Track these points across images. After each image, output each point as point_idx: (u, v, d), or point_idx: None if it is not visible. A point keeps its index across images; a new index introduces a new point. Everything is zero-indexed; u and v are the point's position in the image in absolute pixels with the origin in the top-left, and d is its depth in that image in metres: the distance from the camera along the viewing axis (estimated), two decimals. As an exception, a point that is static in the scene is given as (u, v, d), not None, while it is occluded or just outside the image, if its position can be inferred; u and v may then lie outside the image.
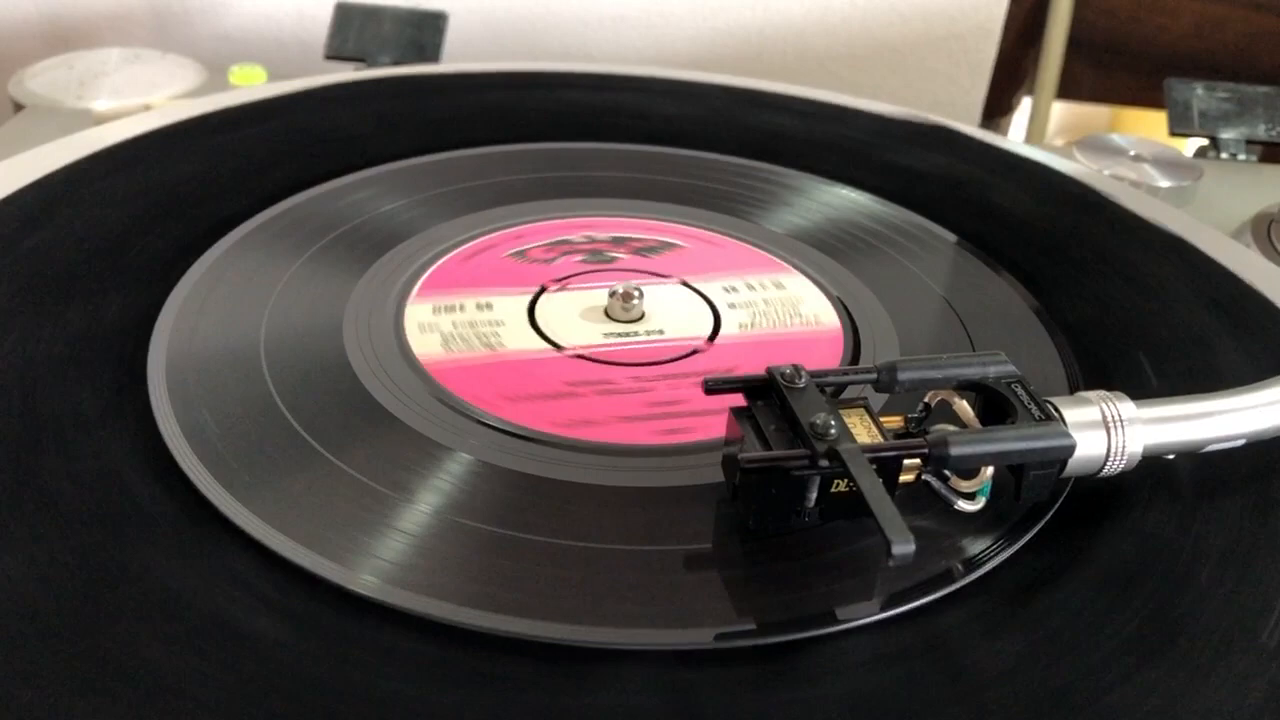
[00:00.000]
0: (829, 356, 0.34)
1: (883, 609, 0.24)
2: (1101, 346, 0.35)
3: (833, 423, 0.24)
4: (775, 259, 0.39)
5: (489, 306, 0.35)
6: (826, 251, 0.40)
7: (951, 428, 0.26)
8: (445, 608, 0.24)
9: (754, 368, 0.27)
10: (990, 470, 0.26)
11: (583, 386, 0.32)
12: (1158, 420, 0.27)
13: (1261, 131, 0.57)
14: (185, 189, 0.40)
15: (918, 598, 0.24)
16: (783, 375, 0.26)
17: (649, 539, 0.26)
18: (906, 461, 0.25)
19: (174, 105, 0.46)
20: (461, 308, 0.35)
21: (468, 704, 0.22)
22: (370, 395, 0.30)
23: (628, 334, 0.34)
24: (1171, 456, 0.28)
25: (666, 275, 0.37)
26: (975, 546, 0.26)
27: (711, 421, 0.29)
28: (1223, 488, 0.29)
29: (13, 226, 0.36)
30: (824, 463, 0.24)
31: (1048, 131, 0.77)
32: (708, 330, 0.35)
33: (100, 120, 0.51)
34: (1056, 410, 0.26)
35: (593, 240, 0.39)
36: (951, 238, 0.41)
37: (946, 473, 0.26)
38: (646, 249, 0.39)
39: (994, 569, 0.26)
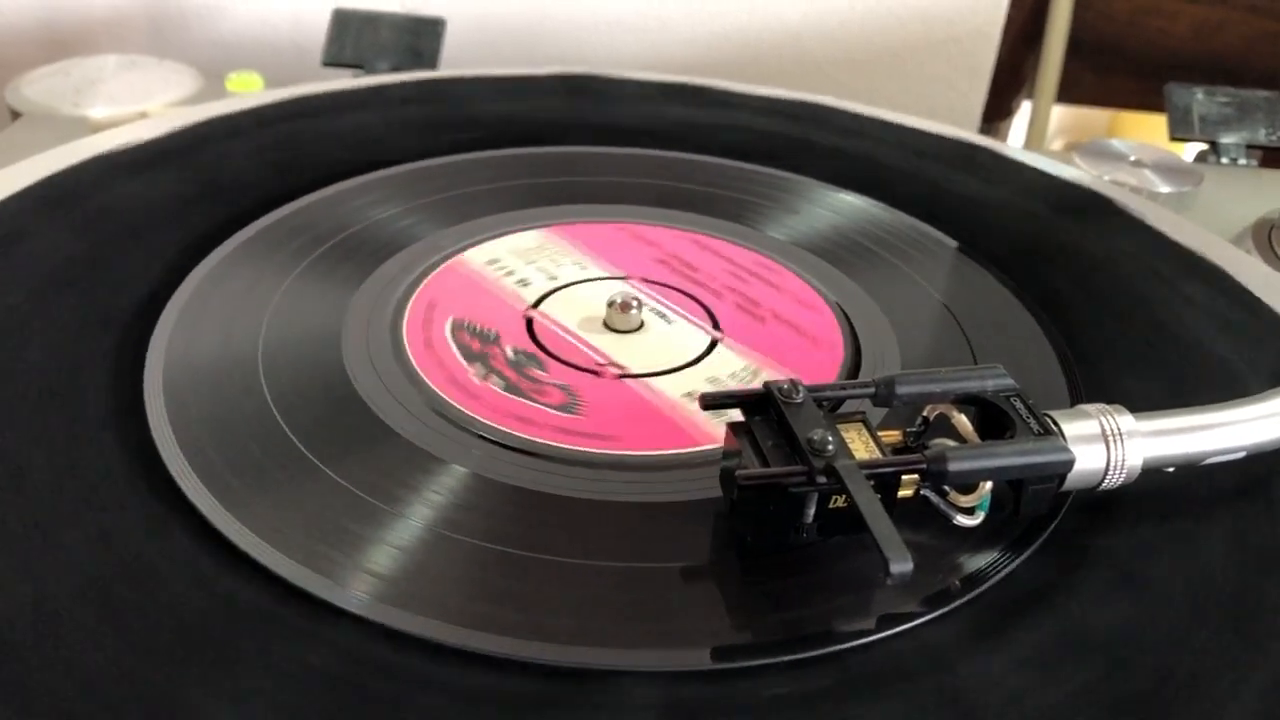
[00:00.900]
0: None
1: (881, 627, 0.24)
2: (1101, 355, 0.35)
3: (830, 439, 0.24)
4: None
5: (486, 317, 0.35)
6: (825, 258, 0.39)
7: (950, 442, 0.26)
8: (438, 626, 0.23)
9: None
10: (989, 485, 0.26)
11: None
12: (1157, 433, 0.27)
13: (1262, 136, 0.57)
14: (182, 197, 0.40)
15: (917, 615, 0.24)
16: (780, 390, 0.26)
17: (645, 555, 0.26)
18: (905, 477, 0.25)
19: (170, 112, 0.46)
20: (458, 319, 0.35)
21: (463, 724, 0.22)
22: (367, 407, 0.30)
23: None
24: (1172, 470, 0.28)
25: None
26: (974, 563, 0.26)
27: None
28: (1226, 499, 0.28)
29: (9, 234, 0.36)
30: (822, 480, 0.24)
31: (1047, 135, 0.77)
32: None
33: (97, 128, 0.51)
34: (1055, 424, 0.26)
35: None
36: (952, 244, 0.41)
37: (945, 488, 0.26)
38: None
39: (993, 585, 0.25)
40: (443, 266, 0.37)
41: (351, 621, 0.23)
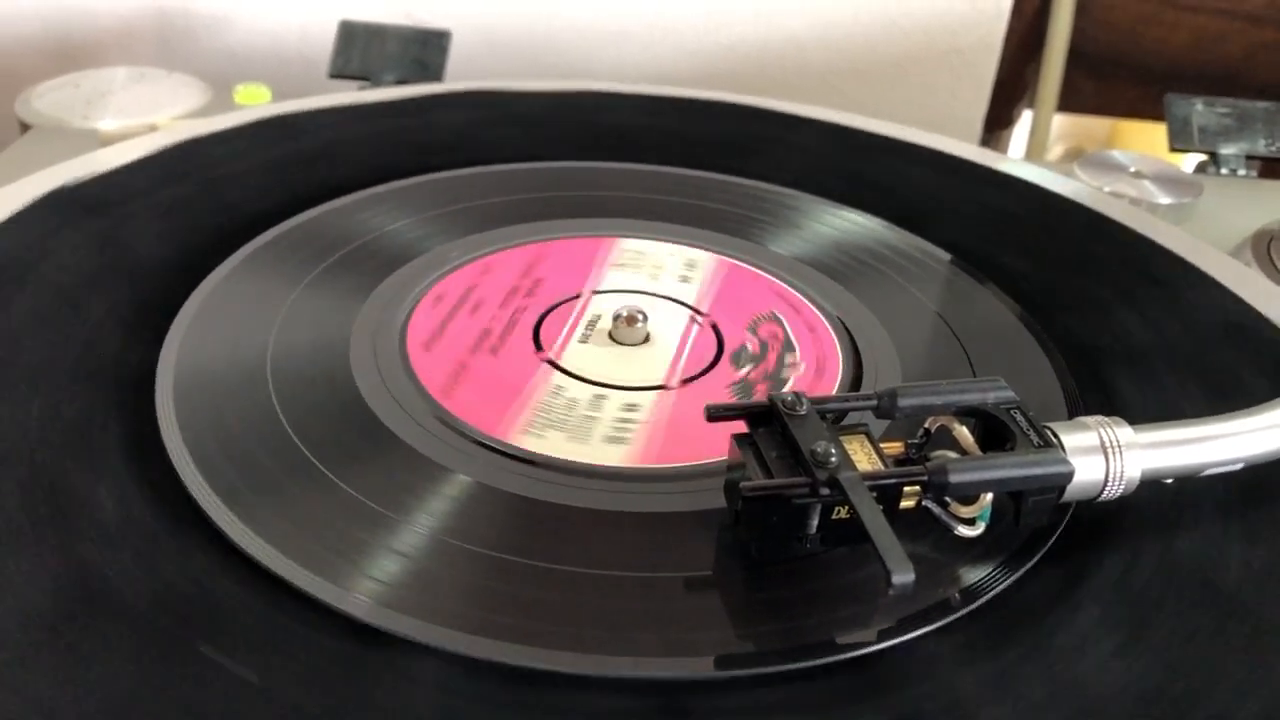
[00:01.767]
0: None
1: (882, 637, 0.24)
2: (1100, 367, 0.35)
3: (833, 450, 0.25)
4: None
5: (493, 329, 0.35)
6: (826, 272, 0.40)
7: (951, 454, 0.26)
8: (441, 632, 0.24)
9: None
10: (990, 496, 0.26)
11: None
12: (1155, 445, 0.27)
13: (1261, 147, 0.57)
14: (193, 208, 0.41)
15: (918, 626, 0.25)
16: (784, 402, 0.26)
17: (649, 565, 0.26)
18: (907, 488, 0.25)
19: (180, 125, 0.47)
20: (465, 330, 0.35)
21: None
22: (375, 416, 0.31)
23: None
24: (1170, 481, 0.28)
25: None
26: (974, 574, 0.26)
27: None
28: (1225, 511, 0.29)
29: (18, 246, 0.36)
30: (825, 491, 0.24)
31: (1048, 144, 0.77)
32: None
33: (106, 140, 0.51)
34: (1055, 436, 0.27)
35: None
36: (949, 258, 0.41)
37: (946, 499, 0.26)
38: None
39: (994, 597, 0.26)
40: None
41: (356, 627, 0.24)
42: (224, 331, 0.34)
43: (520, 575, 0.26)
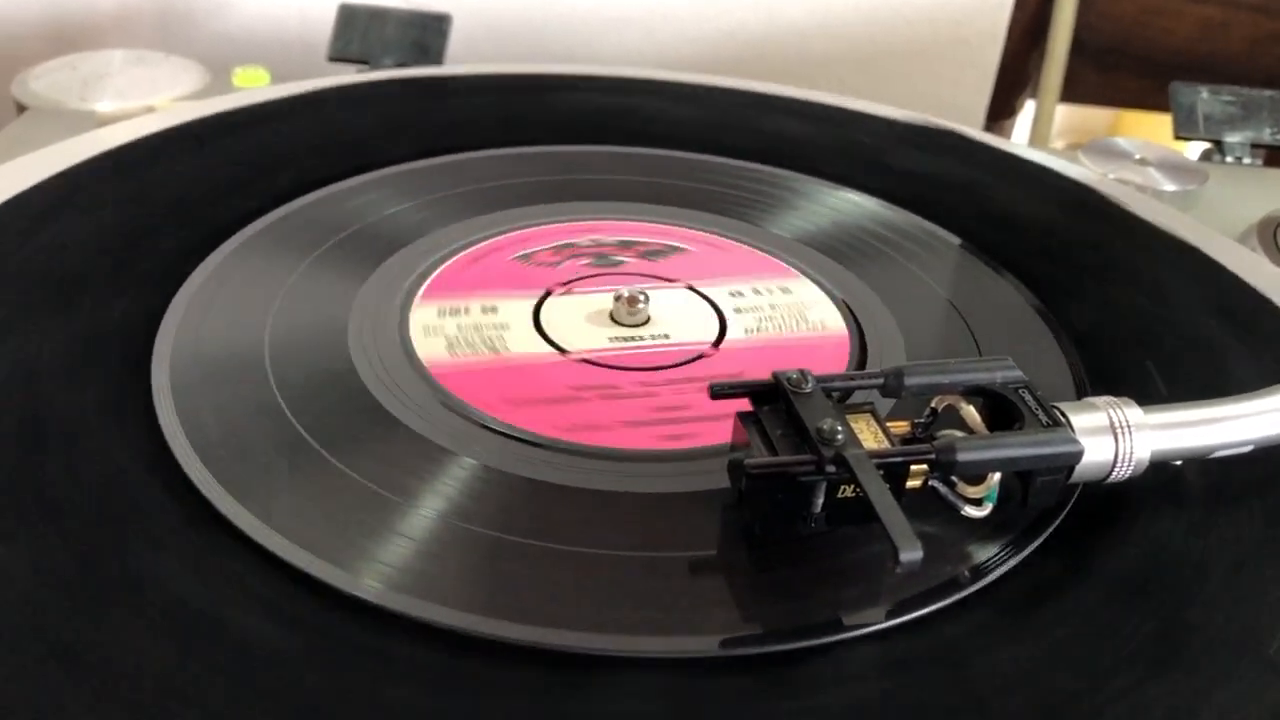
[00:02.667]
0: (835, 361, 0.34)
1: (889, 617, 0.24)
2: (1108, 351, 0.35)
3: (839, 428, 0.24)
4: (781, 263, 0.39)
5: (494, 310, 0.35)
6: (832, 255, 0.40)
7: (959, 433, 0.26)
8: (448, 613, 0.23)
9: (760, 373, 0.27)
10: (997, 476, 0.26)
11: (587, 391, 0.32)
12: (1165, 426, 0.27)
13: (1266, 135, 0.57)
14: (190, 192, 0.40)
15: (924, 605, 0.24)
16: (789, 380, 0.26)
17: (654, 545, 0.26)
18: (913, 467, 0.25)
19: (178, 107, 0.46)
20: (466, 311, 0.35)
21: (469, 710, 0.22)
22: (374, 398, 0.30)
23: (633, 338, 0.34)
24: (1179, 463, 0.28)
25: (673, 279, 0.37)
26: (982, 554, 0.26)
27: (717, 427, 0.29)
28: (1232, 494, 0.28)
29: (17, 229, 0.36)
30: (831, 469, 0.24)
31: (1051, 134, 0.77)
32: (713, 335, 0.35)
33: (103, 122, 0.51)
34: (1064, 416, 0.26)
35: (599, 244, 0.39)
36: (957, 241, 0.41)
37: (953, 478, 0.26)
38: (653, 253, 0.39)
39: (1001, 576, 0.25)
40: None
41: (363, 610, 0.24)
42: (222, 315, 0.33)
43: (522, 556, 0.25)
